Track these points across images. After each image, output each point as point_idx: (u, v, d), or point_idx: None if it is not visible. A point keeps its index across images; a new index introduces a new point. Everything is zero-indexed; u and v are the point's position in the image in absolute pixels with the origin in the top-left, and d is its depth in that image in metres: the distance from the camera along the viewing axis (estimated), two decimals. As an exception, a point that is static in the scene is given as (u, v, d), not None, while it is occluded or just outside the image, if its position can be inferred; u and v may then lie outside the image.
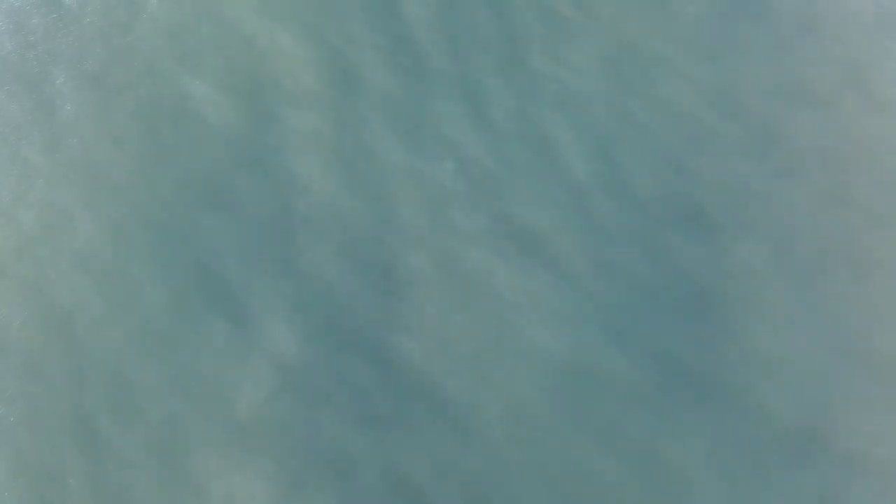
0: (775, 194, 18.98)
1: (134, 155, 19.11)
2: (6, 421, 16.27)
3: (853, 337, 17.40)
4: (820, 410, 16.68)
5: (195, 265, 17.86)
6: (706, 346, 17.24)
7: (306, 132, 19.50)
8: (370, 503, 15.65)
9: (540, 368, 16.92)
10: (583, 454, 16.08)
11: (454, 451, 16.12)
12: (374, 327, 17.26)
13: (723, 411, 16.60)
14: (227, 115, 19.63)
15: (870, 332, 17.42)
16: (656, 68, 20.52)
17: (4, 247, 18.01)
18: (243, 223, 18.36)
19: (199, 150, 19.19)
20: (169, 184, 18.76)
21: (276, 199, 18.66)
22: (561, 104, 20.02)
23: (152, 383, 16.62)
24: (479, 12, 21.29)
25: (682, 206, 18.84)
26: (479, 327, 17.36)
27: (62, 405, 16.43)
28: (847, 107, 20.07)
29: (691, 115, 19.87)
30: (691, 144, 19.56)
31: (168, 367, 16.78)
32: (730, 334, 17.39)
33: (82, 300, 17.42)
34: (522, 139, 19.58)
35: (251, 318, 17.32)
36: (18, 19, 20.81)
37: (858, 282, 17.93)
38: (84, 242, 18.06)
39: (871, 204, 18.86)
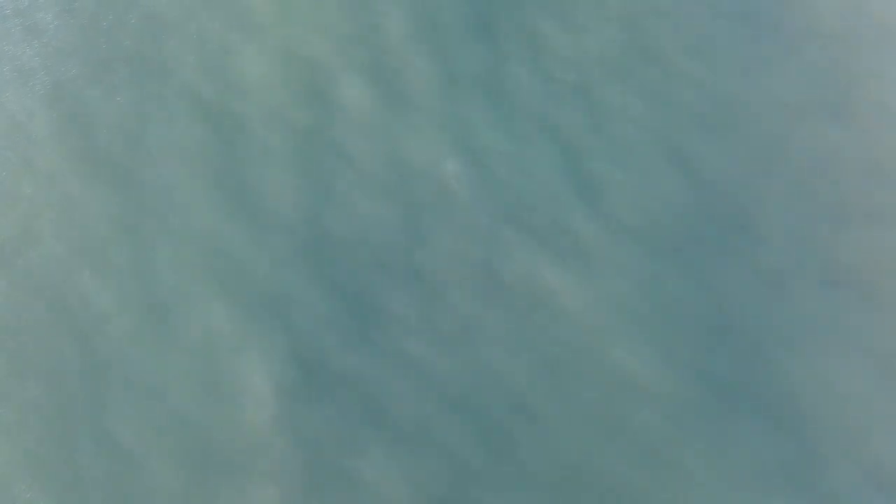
0: (784, 204, 19.06)
1: (139, 152, 19.06)
2: (6, 419, 16.19)
3: (873, 350, 17.39)
4: (845, 425, 16.65)
5: (200, 263, 17.82)
6: (727, 357, 17.25)
7: (313, 131, 19.54)
8: None
9: (550, 371, 16.93)
10: (590, 453, 16.13)
11: (461, 450, 16.13)
12: (380, 330, 17.25)
13: (750, 425, 16.62)
14: (233, 112, 19.61)
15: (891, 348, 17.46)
16: (665, 73, 20.50)
17: (11, 241, 17.96)
18: (250, 222, 18.32)
19: (203, 147, 19.15)
20: (174, 181, 18.73)
21: (279, 196, 18.64)
22: (565, 105, 20.04)
23: (156, 383, 16.57)
24: (484, 8, 21.33)
25: (694, 213, 18.88)
26: (491, 330, 17.36)
27: (63, 404, 16.34)
28: (856, 116, 20.05)
29: (700, 120, 19.86)
30: (699, 149, 19.59)
31: (173, 367, 16.75)
32: (752, 347, 17.41)
33: (85, 297, 17.34)
34: (526, 140, 19.59)
35: (256, 321, 17.31)
36: (23, 18, 20.77)
37: (875, 295, 18.00)
38: (91, 238, 17.99)
39: (881, 214, 18.94)
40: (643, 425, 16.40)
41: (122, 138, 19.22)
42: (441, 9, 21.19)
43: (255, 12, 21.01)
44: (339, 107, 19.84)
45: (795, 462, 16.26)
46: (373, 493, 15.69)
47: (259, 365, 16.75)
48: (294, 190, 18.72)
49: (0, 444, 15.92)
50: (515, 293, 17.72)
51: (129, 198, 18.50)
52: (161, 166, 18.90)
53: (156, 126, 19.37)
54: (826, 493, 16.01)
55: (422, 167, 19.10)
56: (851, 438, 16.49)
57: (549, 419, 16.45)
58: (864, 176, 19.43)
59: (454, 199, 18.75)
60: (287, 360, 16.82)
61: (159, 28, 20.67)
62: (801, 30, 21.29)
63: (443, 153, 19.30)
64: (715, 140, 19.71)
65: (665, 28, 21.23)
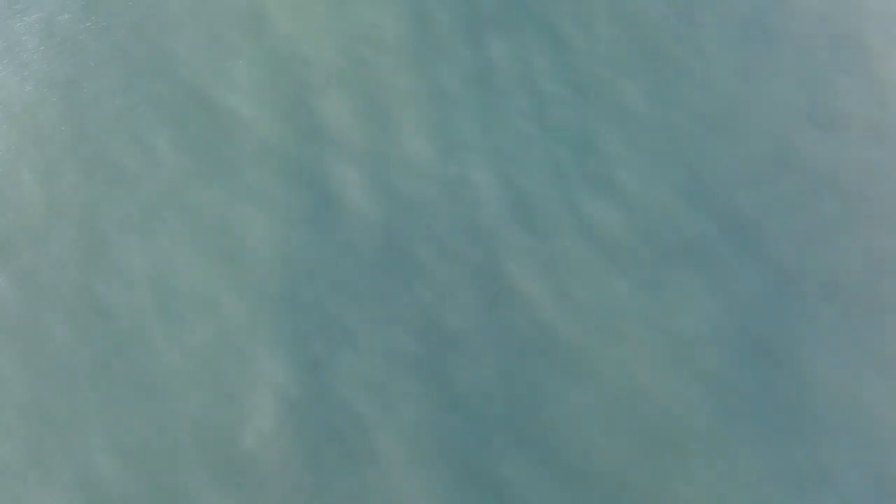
0: (787, 207, 18.99)
1: (139, 152, 19.07)
2: (8, 419, 16.19)
3: (878, 356, 17.31)
4: (850, 430, 16.60)
5: (199, 263, 17.81)
6: (729, 360, 17.15)
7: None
8: None
9: (552, 371, 16.93)
10: (590, 454, 16.11)
11: (462, 451, 16.12)
12: (381, 330, 17.23)
13: (752, 428, 16.59)
14: (233, 111, 19.60)
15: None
16: (667, 74, 20.41)
17: (11, 241, 17.99)
18: (250, 222, 18.31)
19: (203, 147, 19.15)
20: (174, 180, 18.72)
21: (278, 195, 18.63)
22: (565, 105, 20.00)
23: (157, 383, 16.57)
24: (485, 8, 21.29)
25: (695, 215, 18.85)
26: (493, 330, 17.35)
27: (64, 404, 16.37)
28: (859, 120, 19.98)
29: (701, 121, 19.79)
30: (702, 151, 19.53)
31: (175, 368, 16.74)
32: (755, 350, 17.30)
33: (85, 297, 17.36)
34: (526, 140, 19.57)
35: (257, 321, 17.30)
36: (22, 21, 20.77)
37: (880, 300, 17.86)
38: (91, 238, 17.99)
39: (882, 217, 18.83)
40: (645, 427, 16.42)
41: (122, 138, 19.22)
42: (441, 8, 21.17)
43: (255, 12, 21.00)
44: (340, 106, 19.83)
45: (798, 466, 16.26)
46: (373, 493, 15.70)
47: (259, 365, 16.77)
48: (294, 189, 18.71)
49: (1, 444, 15.93)
50: (516, 293, 17.72)
51: (128, 197, 18.50)
52: (161, 166, 18.90)
53: (156, 126, 19.37)
54: (829, 497, 16.01)
55: (421, 167, 19.08)
56: (856, 444, 16.47)
57: (551, 420, 16.46)
58: (868, 179, 19.41)
59: (454, 199, 18.74)
60: (288, 361, 16.83)
61: (159, 28, 20.66)
62: (804, 32, 21.26)
63: (442, 153, 19.28)
64: (718, 142, 19.69)
65: (667, 29, 21.20)
